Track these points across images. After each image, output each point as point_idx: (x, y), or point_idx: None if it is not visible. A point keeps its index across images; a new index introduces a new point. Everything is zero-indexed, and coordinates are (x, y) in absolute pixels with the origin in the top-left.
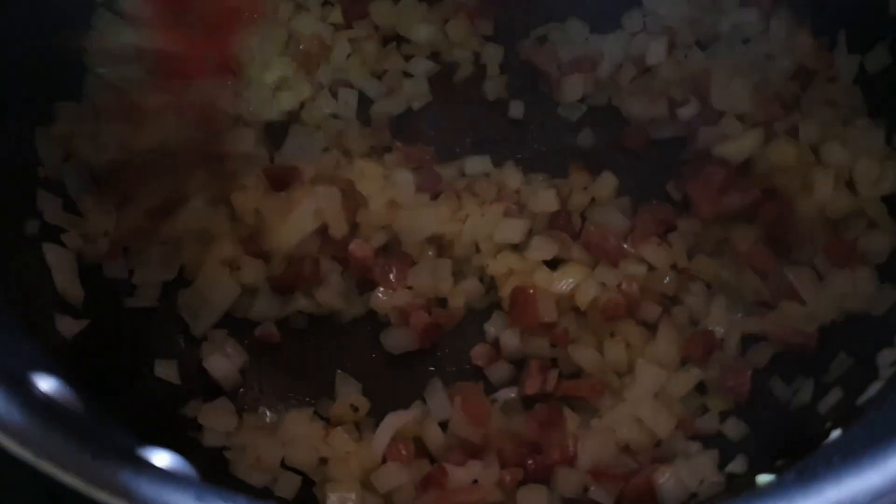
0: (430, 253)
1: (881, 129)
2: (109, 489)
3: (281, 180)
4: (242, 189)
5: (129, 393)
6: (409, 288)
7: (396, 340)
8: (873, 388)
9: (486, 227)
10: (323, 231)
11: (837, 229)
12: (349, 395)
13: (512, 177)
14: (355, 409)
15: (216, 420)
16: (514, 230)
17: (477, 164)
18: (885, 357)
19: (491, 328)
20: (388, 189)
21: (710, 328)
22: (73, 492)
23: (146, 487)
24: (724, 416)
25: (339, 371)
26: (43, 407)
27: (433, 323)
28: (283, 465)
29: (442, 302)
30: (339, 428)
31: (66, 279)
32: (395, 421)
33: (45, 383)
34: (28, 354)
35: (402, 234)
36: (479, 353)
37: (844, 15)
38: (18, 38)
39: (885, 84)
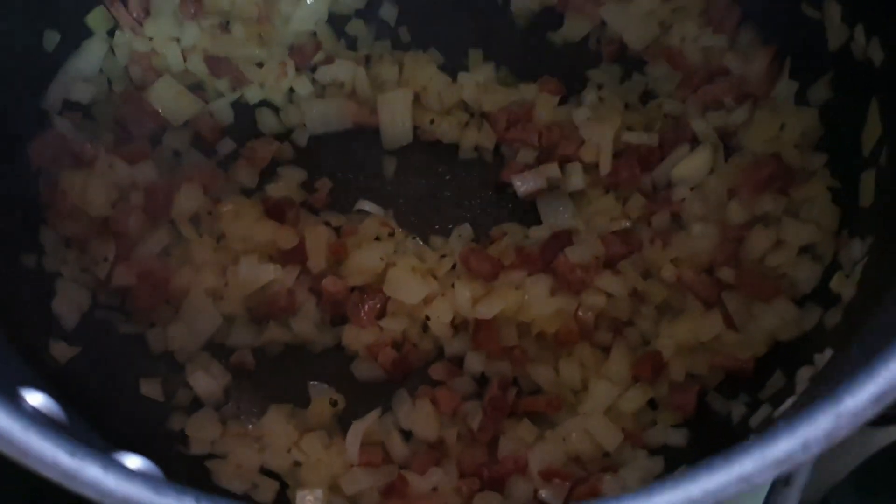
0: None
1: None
2: (80, 483)
3: (276, 209)
4: (235, 215)
5: (117, 410)
6: (380, 327)
7: (365, 371)
8: (787, 403)
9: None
10: (302, 263)
11: (763, 260)
12: (325, 394)
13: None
14: (334, 404)
15: (202, 429)
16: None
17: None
18: (804, 374)
19: (451, 346)
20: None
21: (658, 349)
22: (51, 489)
23: (113, 482)
24: (671, 428)
25: (312, 382)
26: (29, 416)
27: (401, 359)
28: (261, 471)
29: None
30: (311, 433)
31: (63, 307)
32: (361, 426)
33: (34, 399)
34: (19, 373)
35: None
36: (436, 369)
37: (792, 44)
38: None
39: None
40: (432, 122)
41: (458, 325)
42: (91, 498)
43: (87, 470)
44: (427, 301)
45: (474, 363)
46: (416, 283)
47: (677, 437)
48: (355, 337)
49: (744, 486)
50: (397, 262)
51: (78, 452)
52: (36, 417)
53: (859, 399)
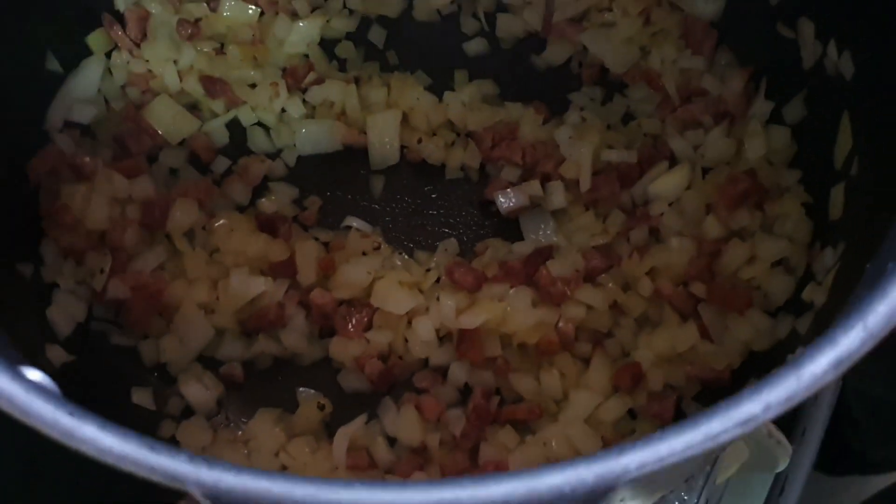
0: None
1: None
2: (79, 441)
3: (269, 223)
4: (228, 229)
5: (107, 416)
6: (366, 339)
7: (352, 382)
8: None
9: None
10: (292, 276)
11: (736, 273)
12: (313, 399)
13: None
14: (322, 408)
15: (193, 435)
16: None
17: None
18: None
19: (436, 356)
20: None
21: (637, 360)
22: (49, 447)
23: (109, 440)
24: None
25: (300, 389)
26: (30, 384)
27: (387, 371)
28: None
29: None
30: (299, 438)
31: (58, 317)
32: (347, 432)
33: (33, 376)
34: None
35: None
36: (421, 377)
37: (768, 65)
38: None
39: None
40: (420, 141)
41: (442, 336)
42: (89, 455)
43: (84, 428)
44: (413, 313)
45: (458, 373)
46: (402, 294)
47: None
48: (343, 349)
49: (710, 444)
50: (384, 276)
51: (76, 413)
52: (37, 385)
53: (819, 364)
